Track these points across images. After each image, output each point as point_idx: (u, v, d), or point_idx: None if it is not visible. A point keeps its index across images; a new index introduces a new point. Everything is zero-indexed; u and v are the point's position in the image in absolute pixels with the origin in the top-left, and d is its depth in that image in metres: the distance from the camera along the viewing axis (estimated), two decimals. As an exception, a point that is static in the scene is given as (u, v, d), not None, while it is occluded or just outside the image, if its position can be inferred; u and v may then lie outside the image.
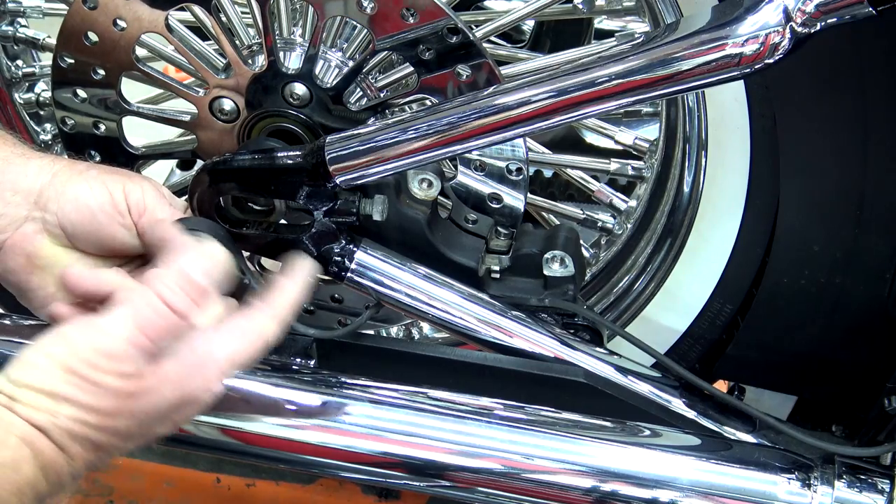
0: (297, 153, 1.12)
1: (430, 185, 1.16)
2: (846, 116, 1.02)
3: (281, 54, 1.16)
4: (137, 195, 1.07)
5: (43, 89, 1.52)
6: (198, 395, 0.92)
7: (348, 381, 1.13)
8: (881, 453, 1.03)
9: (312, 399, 1.11)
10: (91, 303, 0.98)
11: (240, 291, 1.13)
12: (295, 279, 1.04)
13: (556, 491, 1.03)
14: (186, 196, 1.16)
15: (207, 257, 0.99)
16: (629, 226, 1.39)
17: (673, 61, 0.93)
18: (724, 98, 1.10)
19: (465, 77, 1.12)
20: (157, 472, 1.65)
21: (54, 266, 1.07)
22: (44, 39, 1.47)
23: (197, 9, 1.17)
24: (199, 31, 1.25)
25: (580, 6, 1.35)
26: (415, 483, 1.07)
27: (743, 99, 1.07)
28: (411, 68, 1.13)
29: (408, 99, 1.17)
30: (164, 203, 1.08)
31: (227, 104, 1.19)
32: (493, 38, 1.45)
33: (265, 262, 1.36)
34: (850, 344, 1.14)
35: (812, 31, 0.89)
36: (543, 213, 1.52)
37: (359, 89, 1.20)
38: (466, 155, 1.20)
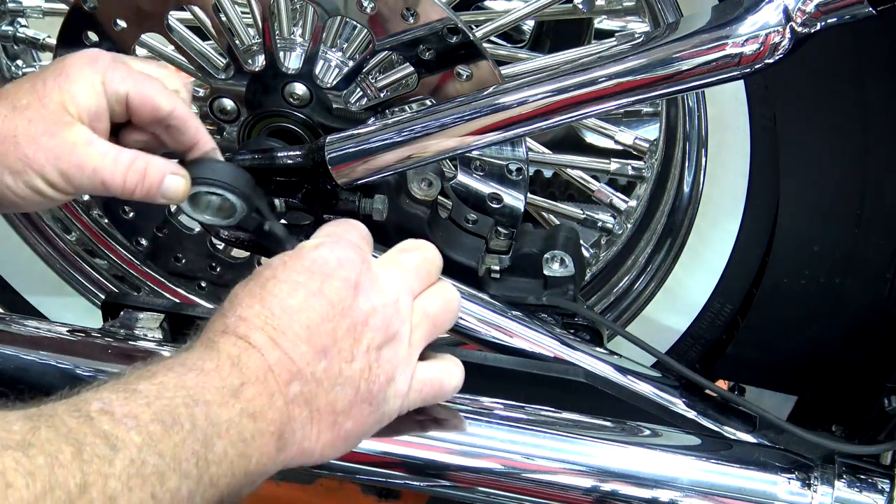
0: (297, 153, 1.12)
1: (430, 184, 1.16)
2: (846, 116, 1.02)
3: (281, 54, 1.16)
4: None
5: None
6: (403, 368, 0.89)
7: (348, 381, 1.13)
8: (881, 452, 1.03)
9: (312, 399, 1.10)
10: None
11: (261, 236, 1.09)
12: None
13: (556, 491, 1.03)
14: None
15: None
16: (629, 226, 1.39)
17: (673, 61, 0.93)
18: (724, 98, 1.10)
19: (465, 77, 1.12)
20: (157, 472, 1.65)
21: None
22: (44, 39, 1.47)
23: (197, 8, 1.17)
24: (200, 31, 1.26)
25: (580, 6, 1.35)
26: (415, 483, 1.06)
27: (743, 99, 1.07)
28: (411, 68, 1.13)
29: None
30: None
31: (228, 104, 1.19)
32: (493, 38, 1.45)
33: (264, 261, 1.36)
34: (850, 344, 1.14)
35: (812, 30, 0.89)
36: (543, 213, 1.52)
37: (359, 89, 1.20)
38: (466, 155, 1.20)
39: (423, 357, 0.93)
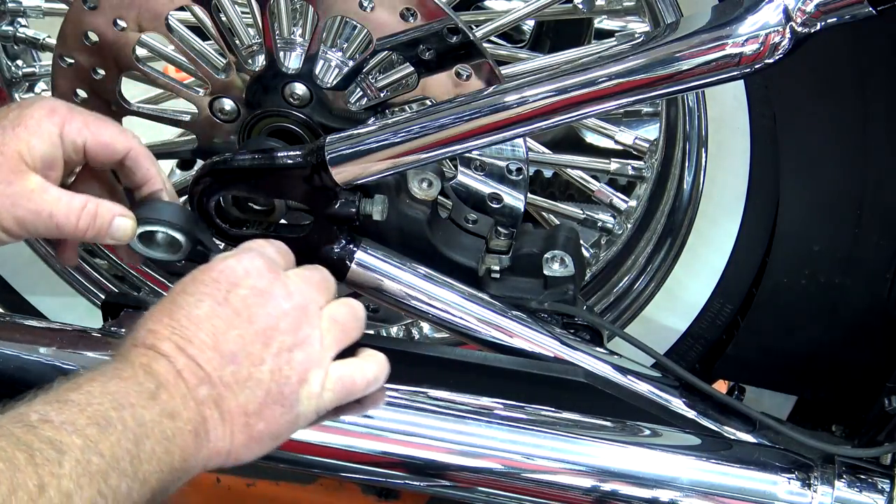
0: (297, 153, 1.12)
1: (430, 184, 1.16)
2: (846, 116, 1.02)
3: (281, 54, 1.16)
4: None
5: (43, 89, 1.52)
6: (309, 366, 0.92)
7: (348, 380, 1.13)
8: (881, 453, 1.03)
9: (312, 399, 1.10)
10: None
11: None
12: None
13: (556, 491, 1.03)
14: (186, 197, 1.16)
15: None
16: (629, 226, 1.39)
17: (673, 61, 0.93)
18: (724, 98, 1.10)
19: (465, 77, 1.12)
20: (157, 472, 1.64)
21: None
22: (44, 39, 1.47)
23: (197, 9, 1.17)
24: (200, 30, 1.26)
25: (580, 6, 1.35)
26: (415, 483, 1.06)
27: (743, 99, 1.07)
28: (411, 68, 1.13)
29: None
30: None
31: (228, 104, 1.19)
32: (493, 38, 1.45)
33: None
34: (850, 344, 1.14)
35: (812, 30, 0.89)
36: (543, 213, 1.52)
37: (359, 89, 1.20)
38: (466, 155, 1.20)
39: (341, 357, 0.97)
